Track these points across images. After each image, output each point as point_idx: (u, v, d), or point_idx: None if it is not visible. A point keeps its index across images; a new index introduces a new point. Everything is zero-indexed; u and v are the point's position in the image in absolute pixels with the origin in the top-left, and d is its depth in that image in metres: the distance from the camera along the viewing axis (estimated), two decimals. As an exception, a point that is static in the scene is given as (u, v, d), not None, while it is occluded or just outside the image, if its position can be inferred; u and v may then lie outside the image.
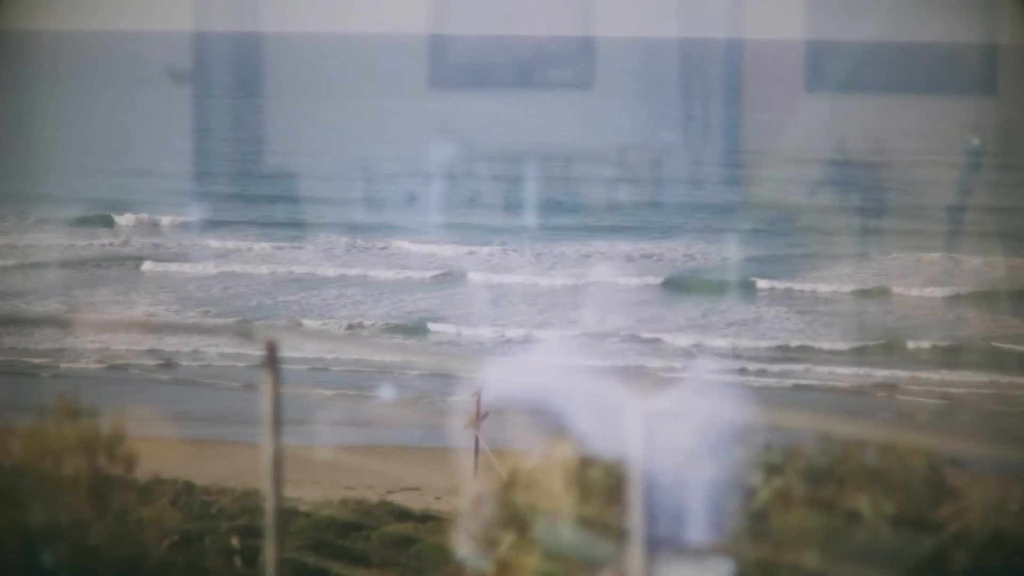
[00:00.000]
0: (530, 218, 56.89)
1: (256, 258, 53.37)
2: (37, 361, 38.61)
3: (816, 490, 5.58)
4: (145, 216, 59.54)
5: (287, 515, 5.55)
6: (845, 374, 39.41)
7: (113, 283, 49.52)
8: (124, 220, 59.02)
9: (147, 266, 52.19)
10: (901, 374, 39.50)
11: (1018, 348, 42.32)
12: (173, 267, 52.10)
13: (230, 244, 55.10)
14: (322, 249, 54.01)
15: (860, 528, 5.39)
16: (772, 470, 5.44)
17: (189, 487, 20.72)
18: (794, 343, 42.15)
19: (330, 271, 51.31)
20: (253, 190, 63.85)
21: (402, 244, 53.65)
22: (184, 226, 58.32)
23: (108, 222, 58.92)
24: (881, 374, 39.43)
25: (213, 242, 55.13)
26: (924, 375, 39.38)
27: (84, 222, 58.55)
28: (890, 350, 42.14)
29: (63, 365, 38.09)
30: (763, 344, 41.46)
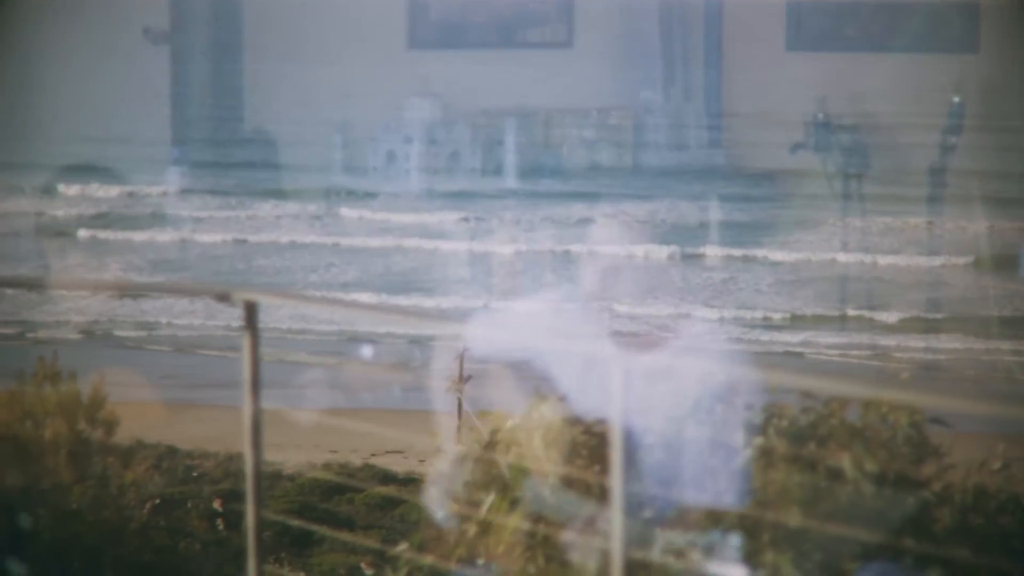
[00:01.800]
0: (511, 181, 56.79)
1: (231, 225, 53.24)
2: (12, 330, 38.56)
3: (798, 449, 5.57)
4: (118, 183, 59.34)
5: (270, 479, 5.55)
6: (828, 341, 39.47)
7: (87, 250, 49.41)
8: (98, 187, 58.82)
9: (118, 233, 52.07)
10: (883, 341, 39.57)
11: (1001, 313, 42.39)
12: (143, 235, 51.98)
13: (205, 212, 54.95)
14: (299, 216, 53.90)
15: (842, 487, 5.39)
16: (754, 429, 5.43)
17: (171, 451, 20.70)
18: (777, 310, 42.19)
19: (307, 238, 51.23)
20: (229, 156, 63.66)
21: (379, 210, 53.55)
22: (158, 193, 58.12)
23: (82, 189, 58.70)
24: (862, 340, 39.51)
25: (187, 209, 54.98)
26: (906, 342, 39.46)
27: (58, 189, 58.32)
28: (870, 316, 42.20)
29: (41, 331, 38.04)
30: (746, 313, 41.52)
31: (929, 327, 40.74)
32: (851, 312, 43.08)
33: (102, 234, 52.13)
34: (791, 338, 39.10)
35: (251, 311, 5.40)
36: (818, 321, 41.72)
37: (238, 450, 5.80)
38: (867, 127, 58.07)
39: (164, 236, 52.28)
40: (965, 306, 43.25)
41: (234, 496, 7.84)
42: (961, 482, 5.64)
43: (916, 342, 39.58)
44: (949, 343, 39.20)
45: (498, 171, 57.85)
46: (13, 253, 48.69)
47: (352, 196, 55.24)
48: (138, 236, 52.06)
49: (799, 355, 37.44)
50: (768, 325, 39.91)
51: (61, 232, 52.16)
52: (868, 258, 48.72)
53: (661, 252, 45.70)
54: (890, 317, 42.33)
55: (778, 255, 48.29)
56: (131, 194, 57.85)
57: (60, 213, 54.66)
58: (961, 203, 51.80)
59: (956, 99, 58.55)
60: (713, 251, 47.34)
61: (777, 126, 61.84)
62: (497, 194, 55.50)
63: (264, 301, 5.39)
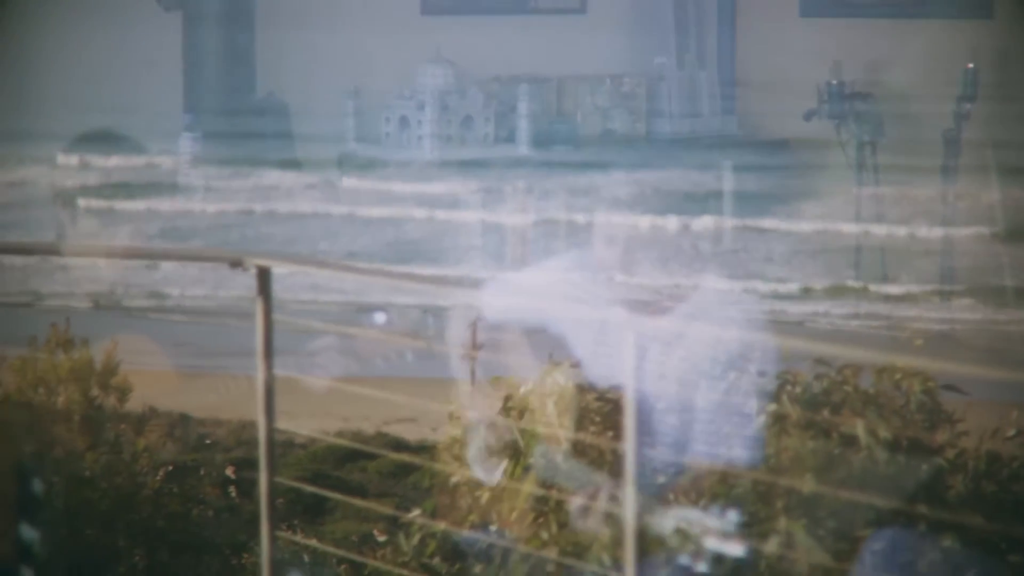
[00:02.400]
0: (523, 149, 56.63)
1: (239, 195, 53.16)
2: (24, 298, 38.55)
3: (811, 416, 5.56)
4: (132, 153, 59.27)
5: (283, 447, 5.55)
6: (840, 311, 39.35)
7: (96, 218, 49.36)
8: (112, 157, 58.76)
9: (127, 202, 52.03)
10: (896, 311, 39.45)
11: (1017, 282, 42.23)
12: (152, 204, 51.91)
13: (214, 181, 54.86)
14: (309, 185, 53.77)
15: (856, 453, 5.38)
16: (767, 396, 5.42)
17: (183, 418, 20.69)
18: (788, 280, 42.02)
19: (317, 207, 51.11)
20: (240, 125, 63.52)
21: (390, 179, 53.38)
22: (168, 163, 58.04)
23: (90, 158, 58.63)
24: (875, 309, 39.39)
25: (197, 179, 54.90)
26: (919, 311, 39.33)
27: (66, 158, 58.25)
28: (883, 286, 42.06)
29: (53, 299, 38.06)
30: (758, 284, 41.33)
31: (943, 296, 40.62)
32: (863, 282, 43.00)
33: (110, 203, 52.13)
34: (802, 308, 39.01)
35: (264, 277, 5.40)
36: (832, 292, 41.63)
37: (250, 418, 5.81)
38: (881, 95, 57.83)
39: (173, 205, 52.24)
40: (979, 275, 43.15)
41: (246, 464, 7.84)
42: (974, 449, 5.63)
43: (930, 312, 39.49)
44: (963, 313, 39.13)
45: (510, 138, 57.70)
46: (23, 221, 48.68)
47: (363, 164, 55.16)
48: (147, 205, 52.03)
49: (810, 325, 37.39)
50: (779, 295, 39.82)
51: (70, 201, 52.16)
52: (881, 228, 48.58)
53: (672, 222, 45.50)
54: (903, 287, 42.25)
55: (790, 225, 48.16)
56: (140, 164, 57.82)
57: (69, 182, 54.65)
58: (976, 172, 51.58)
59: (970, 66, 58.25)
60: (725, 221, 47.16)
61: (790, 93, 61.66)
62: (509, 162, 55.39)
63: (277, 267, 5.38)
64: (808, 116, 54.54)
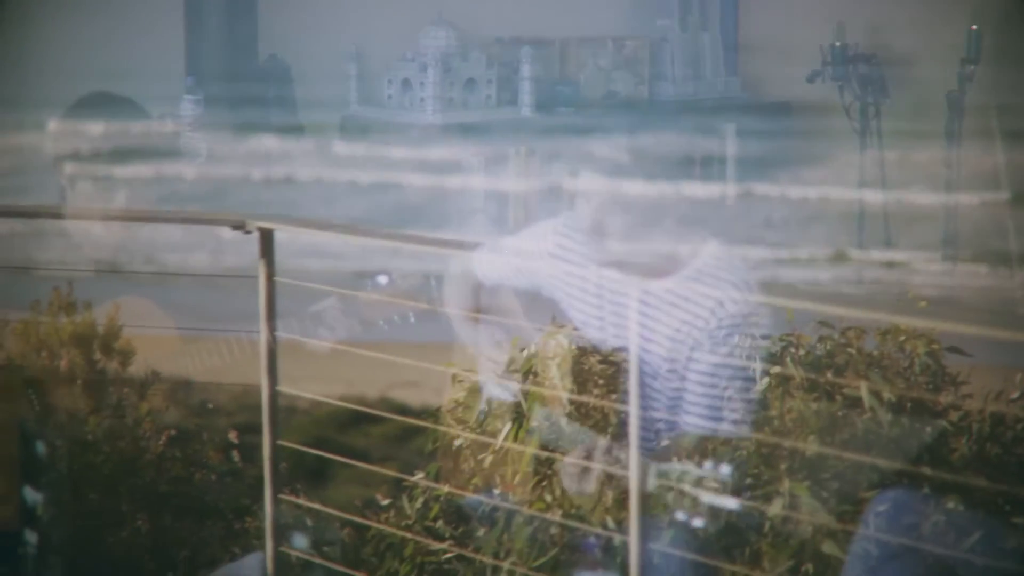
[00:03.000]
0: (525, 112, 56.55)
1: (238, 159, 53.04)
2: (24, 263, 38.54)
3: (815, 378, 5.55)
4: (132, 117, 59.10)
5: (285, 412, 5.56)
6: (842, 276, 39.31)
7: (101, 183, 49.31)
8: (108, 123, 58.59)
9: (131, 167, 51.96)
10: (898, 276, 39.40)
11: (1018, 248, 42.14)
12: (150, 169, 51.84)
13: (213, 146, 54.71)
14: (308, 150, 53.66)
15: (860, 415, 5.37)
16: (771, 358, 5.41)
17: (186, 383, 20.68)
18: (790, 245, 41.96)
19: (316, 172, 51.00)
20: (240, 89, 63.38)
21: (392, 144, 53.27)
22: (171, 126, 57.89)
23: (95, 124, 58.50)
24: (877, 275, 39.36)
25: (200, 143, 54.77)
26: (921, 278, 39.26)
27: (62, 124, 58.06)
28: (885, 251, 41.99)
29: (53, 264, 38.05)
30: (758, 251, 41.28)
31: (947, 261, 40.57)
32: (865, 247, 42.94)
33: (109, 168, 52.07)
34: (803, 274, 39.00)
35: (267, 240, 5.40)
36: (834, 257, 41.60)
37: (252, 382, 5.81)
38: (885, 58, 57.65)
39: (173, 170, 52.18)
40: (983, 240, 43.06)
41: (249, 428, 7.84)
42: (978, 412, 5.63)
43: (933, 278, 39.44)
44: (966, 278, 39.08)
45: (512, 101, 57.61)
46: (21, 187, 48.66)
47: (365, 128, 55.06)
48: (146, 170, 51.98)
49: (813, 289, 37.31)
50: (780, 261, 39.80)
51: (69, 166, 52.10)
52: (883, 193, 48.47)
53: (672, 186, 45.23)
54: (906, 252, 42.19)
55: (791, 189, 48.03)
56: (140, 128, 57.69)
57: (67, 148, 54.56)
58: (981, 137, 51.41)
59: (974, 28, 58.03)
60: (726, 185, 47.05)
61: (794, 56, 61.51)
62: (511, 125, 55.27)
63: (280, 229, 5.38)
64: (812, 78, 54.36)
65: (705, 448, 5.26)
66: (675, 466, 4.77)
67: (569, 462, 5.10)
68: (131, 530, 6.35)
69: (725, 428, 5.30)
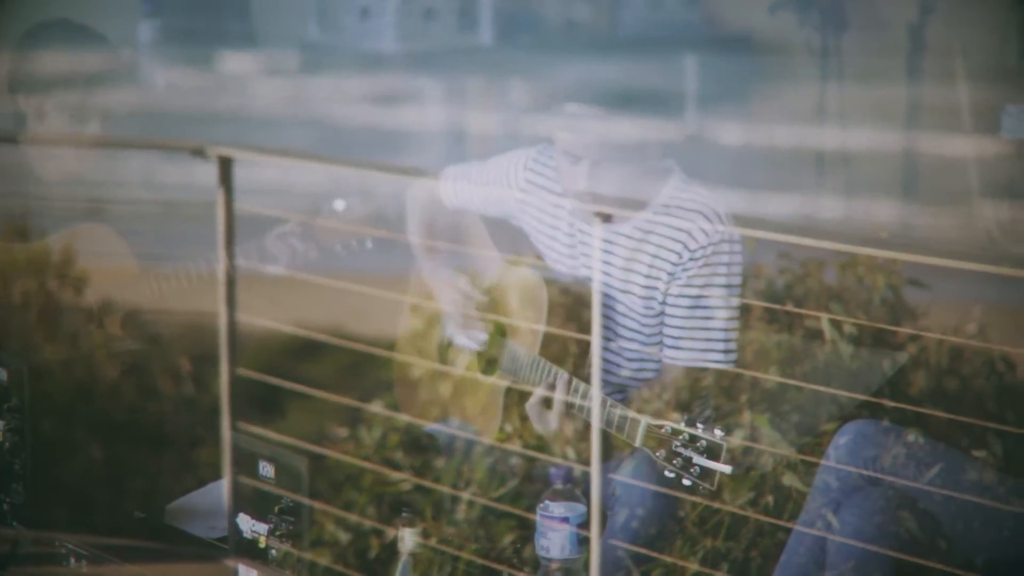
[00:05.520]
0: (485, 40, 56.29)
1: (191, 91, 52.64)
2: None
3: (775, 310, 5.55)
4: (88, 44, 58.37)
5: (239, 340, 5.52)
6: (800, 212, 39.29)
7: (56, 110, 48.80)
8: (65, 50, 57.85)
9: (87, 95, 51.45)
10: (856, 215, 39.42)
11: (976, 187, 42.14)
12: (109, 96, 51.38)
13: (165, 76, 54.26)
14: (264, 82, 53.25)
15: (820, 348, 5.37)
16: (732, 290, 5.39)
17: (138, 312, 20.59)
18: (754, 187, 41.88)
19: (272, 105, 50.64)
20: (200, 18, 62.81)
21: (351, 73, 52.92)
22: (126, 55, 57.27)
23: (51, 50, 57.77)
24: (835, 214, 39.41)
25: (155, 72, 54.33)
26: (878, 216, 39.30)
27: (23, 51, 57.36)
28: (844, 192, 42.01)
29: (8, 188, 37.73)
30: (723, 189, 41.03)
31: (907, 198, 40.65)
32: (826, 186, 43.00)
33: (64, 96, 51.59)
34: (764, 210, 38.98)
35: (225, 167, 5.34)
36: (795, 195, 41.63)
37: (207, 310, 5.76)
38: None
39: (127, 99, 51.78)
40: (941, 179, 43.13)
41: (202, 358, 7.79)
42: (937, 345, 5.64)
43: (893, 216, 39.52)
44: (927, 219, 39.15)
45: (472, 29, 57.41)
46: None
47: (324, 59, 54.78)
48: (100, 99, 51.57)
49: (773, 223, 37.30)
50: (745, 199, 39.71)
51: (20, 94, 51.59)
52: (847, 134, 48.45)
53: (633, 122, 45.15)
54: (866, 190, 42.25)
55: (751, 127, 47.99)
56: (94, 57, 57.14)
57: (18, 75, 54.00)
58: (944, 76, 51.32)
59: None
60: (686, 122, 46.85)
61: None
62: (470, 55, 55.06)
63: (239, 156, 5.32)
64: (773, 9, 54.22)
65: (665, 380, 5.25)
66: (636, 398, 4.76)
67: (532, 400, 5.08)
68: (86, 459, 6.30)
69: (686, 359, 5.29)
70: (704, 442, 4.51)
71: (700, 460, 4.51)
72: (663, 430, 4.60)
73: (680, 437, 4.55)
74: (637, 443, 4.66)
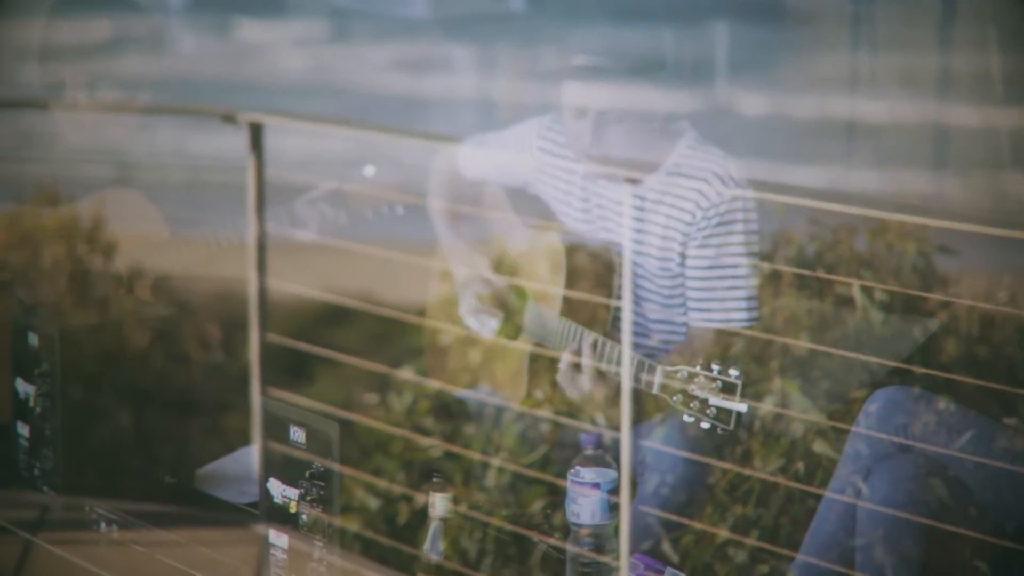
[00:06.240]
0: (515, 3, 56.07)
1: (210, 59, 52.60)
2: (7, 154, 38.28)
3: (806, 276, 5.53)
4: (119, 9, 58.46)
5: (269, 307, 5.52)
6: (821, 183, 39.19)
7: (87, 76, 48.92)
8: (97, 15, 57.91)
9: (118, 61, 51.58)
10: (880, 186, 39.27)
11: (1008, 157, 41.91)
12: (140, 61, 51.42)
13: (201, 43, 54.26)
14: (296, 48, 53.21)
15: (851, 314, 5.36)
16: (762, 256, 5.38)
17: (168, 278, 20.63)
18: (776, 157, 41.75)
19: (292, 73, 50.58)
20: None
21: (379, 41, 52.78)
22: (152, 22, 57.31)
23: (81, 15, 57.86)
24: (867, 184, 39.23)
25: (168, 40, 54.27)
26: (903, 187, 39.10)
27: (49, 19, 57.40)
28: (870, 162, 41.83)
29: (37, 156, 37.82)
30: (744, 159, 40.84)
31: (935, 169, 40.45)
32: (853, 156, 42.81)
33: (95, 62, 51.66)
34: (792, 179, 38.83)
35: (256, 133, 5.35)
36: (818, 163, 41.47)
37: (237, 277, 5.76)
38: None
39: (153, 68, 51.81)
40: (972, 149, 42.90)
41: (231, 325, 7.81)
42: (967, 313, 5.62)
43: (924, 186, 39.34)
44: (959, 189, 38.97)
45: None
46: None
47: (350, 25, 54.64)
48: (131, 64, 51.62)
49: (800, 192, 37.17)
50: (767, 170, 39.57)
51: (49, 62, 51.68)
52: (873, 104, 48.18)
53: (659, 89, 44.96)
54: (895, 161, 42.05)
55: (773, 93, 47.76)
56: (125, 22, 57.18)
57: (47, 43, 54.07)
58: (976, 46, 50.96)
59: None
60: (703, 89, 46.68)
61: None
62: (498, 19, 54.87)
63: (270, 123, 5.32)
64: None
65: (695, 346, 5.25)
66: (666, 363, 4.75)
67: (562, 363, 5.08)
68: (115, 426, 6.33)
69: (717, 325, 5.28)
70: (720, 382, 4.51)
71: (716, 400, 4.51)
72: (679, 374, 4.60)
73: (696, 380, 4.55)
74: (655, 390, 4.66)
